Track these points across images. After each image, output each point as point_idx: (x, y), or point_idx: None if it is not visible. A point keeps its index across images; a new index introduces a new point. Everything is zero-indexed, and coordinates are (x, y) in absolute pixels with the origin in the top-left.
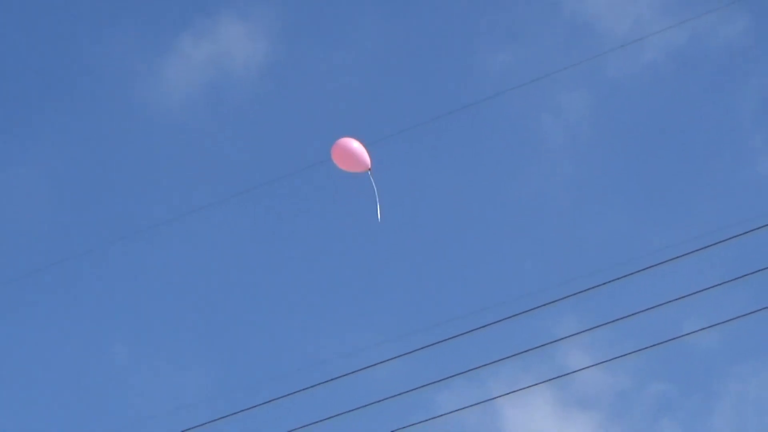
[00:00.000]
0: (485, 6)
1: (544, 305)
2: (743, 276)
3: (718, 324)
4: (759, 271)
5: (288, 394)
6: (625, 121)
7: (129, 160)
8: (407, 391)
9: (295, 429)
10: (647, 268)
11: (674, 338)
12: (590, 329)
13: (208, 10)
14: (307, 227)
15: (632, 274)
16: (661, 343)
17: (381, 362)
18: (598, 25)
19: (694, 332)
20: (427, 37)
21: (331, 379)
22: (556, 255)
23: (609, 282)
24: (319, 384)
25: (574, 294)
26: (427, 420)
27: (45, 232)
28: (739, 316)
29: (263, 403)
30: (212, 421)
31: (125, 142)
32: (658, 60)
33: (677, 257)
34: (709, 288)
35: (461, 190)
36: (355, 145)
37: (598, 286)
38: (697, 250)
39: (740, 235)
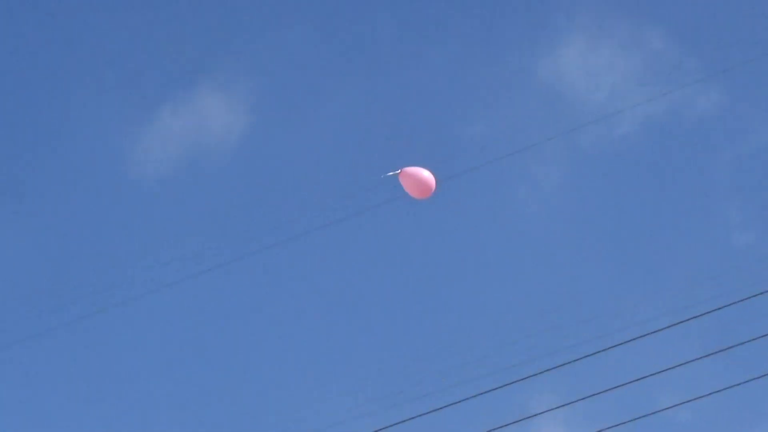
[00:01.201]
0: (460, 75)
1: (521, 380)
2: (719, 351)
3: (694, 399)
4: (734, 346)
5: None
6: (601, 193)
7: (108, 231)
8: None
9: None
10: (622, 343)
11: (650, 413)
12: (566, 404)
13: (188, 82)
14: (284, 299)
15: (608, 348)
16: (638, 418)
17: None
18: (573, 96)
19: (670, 407)
20: (403, 109)
21: None
22: (533, 327)
23: (585, 357)
24: None
25: (550, 369)
26: None
27: (18, 302)
28: (715, 391)
29: None
30: None
31: (105, 213)
32: (633, 131)
33: (653, 332)
34: (685, 363)
35: (438, 262)
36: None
37: (573, 360)
38: (672, 325)
39: (715, 309)
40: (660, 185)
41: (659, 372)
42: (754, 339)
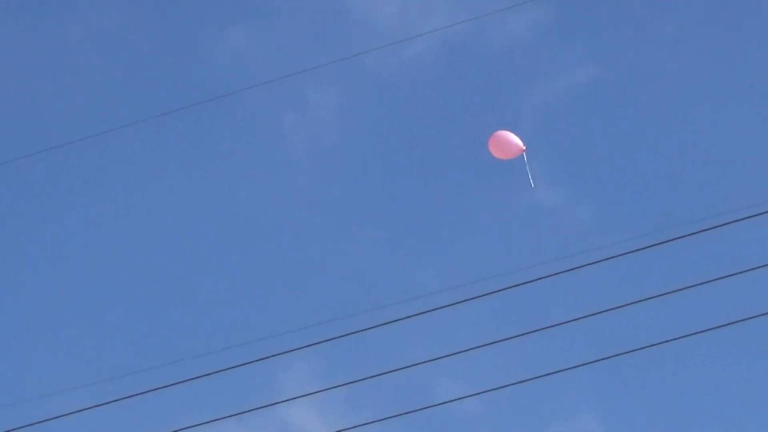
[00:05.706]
0: None
1: (273, 356)
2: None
3: (479, 393)
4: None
5: None
6: (382, 126)
7: None
8: None
9: None
10: (395, 321)
11: (428, 406)
12: (316, 392)
13: None
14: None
15: (378, 326)
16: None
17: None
18: (357, 14)
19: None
20: (165, 18)
21: None
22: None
23: (344, 335)
24: None
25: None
26: None
27: None
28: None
29: None
30: None
31: None
32: (427, 52)
33: (432, 310)
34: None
35: (187, 197)
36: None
37: (331, 339)
38: (457, 303)
39: (515, 285)
40: (454, 119)
41: (436, 359)
42: (556, 324)
